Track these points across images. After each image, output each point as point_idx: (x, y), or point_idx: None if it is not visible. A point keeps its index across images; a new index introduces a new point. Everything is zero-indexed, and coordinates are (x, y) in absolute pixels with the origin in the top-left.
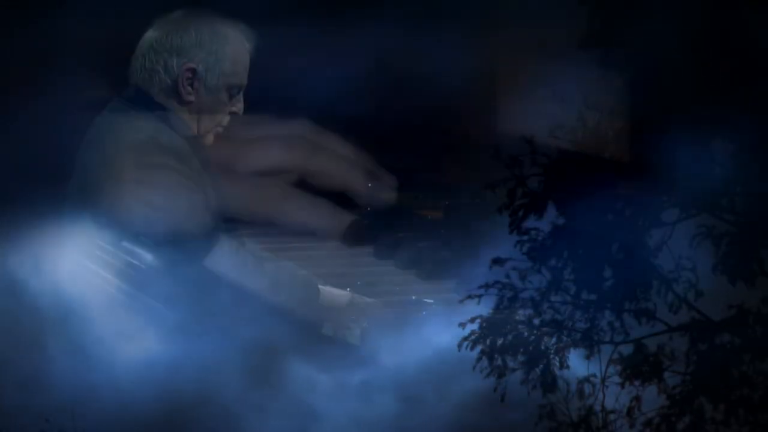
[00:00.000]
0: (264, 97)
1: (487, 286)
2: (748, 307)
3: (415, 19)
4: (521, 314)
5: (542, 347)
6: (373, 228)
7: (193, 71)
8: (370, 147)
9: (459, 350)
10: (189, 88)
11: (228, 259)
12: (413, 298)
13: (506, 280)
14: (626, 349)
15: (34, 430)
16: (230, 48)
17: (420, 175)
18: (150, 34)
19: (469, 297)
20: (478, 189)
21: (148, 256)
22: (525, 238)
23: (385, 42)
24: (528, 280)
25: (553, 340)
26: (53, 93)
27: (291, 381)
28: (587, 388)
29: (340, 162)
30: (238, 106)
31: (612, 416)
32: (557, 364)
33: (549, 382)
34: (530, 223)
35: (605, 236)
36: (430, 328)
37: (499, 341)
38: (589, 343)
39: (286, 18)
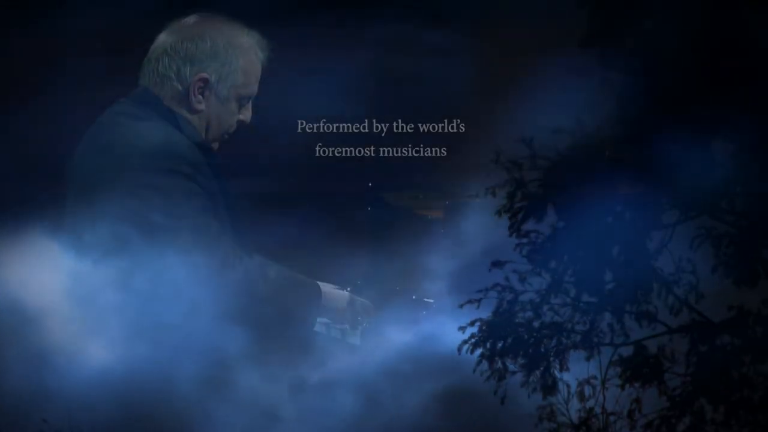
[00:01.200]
0: None
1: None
2: (748, 308)
3: None
4: (521, 317)
5: (543, 349)
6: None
7: (206, 81)
8: None
9: (459, 353)
10: (200, 97)
11: (231, 264)
12: (413, 297)
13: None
14: (626, 352)
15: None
16: (244, 59)
17: None
18: (164, 39)
19: (469, 302)
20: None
21: (151, 259)
22: (524, 240)
23: None
24: (528, 282)
25: (553, 342)
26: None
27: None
28: (588, 390)
29: None
30: (246, 114)
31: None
32: (557, 366)
33: (549, 385)
34: (529, 225)
35: (605, 239)
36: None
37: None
38: (589, 345)
39: None
